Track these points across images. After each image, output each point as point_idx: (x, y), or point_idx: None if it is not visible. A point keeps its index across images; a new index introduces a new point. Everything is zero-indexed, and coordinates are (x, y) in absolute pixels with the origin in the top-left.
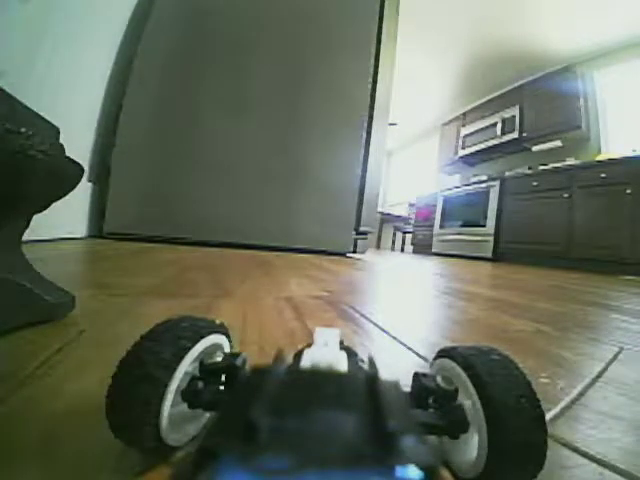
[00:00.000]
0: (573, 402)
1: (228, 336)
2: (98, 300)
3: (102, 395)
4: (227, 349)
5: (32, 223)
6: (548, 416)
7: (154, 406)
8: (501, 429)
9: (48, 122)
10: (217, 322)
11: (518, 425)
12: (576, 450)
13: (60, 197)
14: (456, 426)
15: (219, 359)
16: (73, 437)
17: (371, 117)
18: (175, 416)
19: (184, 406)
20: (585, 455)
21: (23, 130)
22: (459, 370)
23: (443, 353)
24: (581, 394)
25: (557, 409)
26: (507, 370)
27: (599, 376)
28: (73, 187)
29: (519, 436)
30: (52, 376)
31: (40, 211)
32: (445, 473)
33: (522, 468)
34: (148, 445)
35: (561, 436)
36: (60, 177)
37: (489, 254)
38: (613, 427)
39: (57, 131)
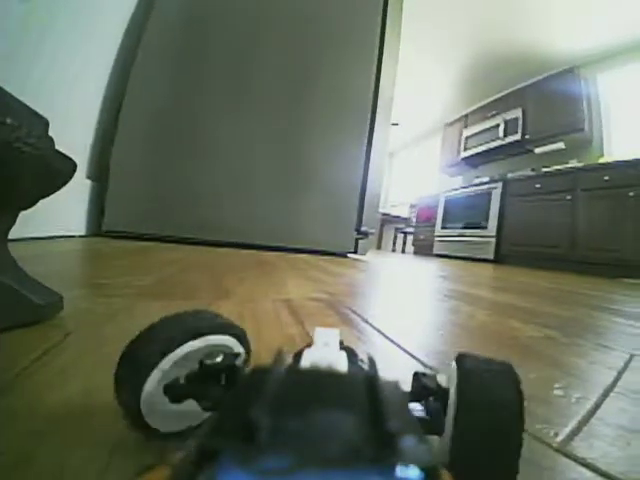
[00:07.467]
0: (589, 416)
1: (239, 338)
2: (89, 301)
3: (85, 406)
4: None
5: (29, 220)
6: (566, 432)
7: (136, 394)
8: (465, 434)
9: (36, 114)
10: (228, 321)
11: (484, 433)
12: (596, 470)
13: (50, 193)
14: (433, 425)
15: (219, 359)
16: (51, 454)
17: (373, 117)
18: (159, 405)
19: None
20: (607, 476)
21: (9, 121)
22: (455, 371)
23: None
24: (597, 406)
25: (574, 423)
26: (491, 375)
27: (613, 386)
28: (64, 183)
29: (485, 444)
30: (31, 385)
31: (28, 207)
32: (445, 473)
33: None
34: (136, 429)
35: (580, 455)
36: (49, 172)
37: (491, 256)
38: (632, 442)
39: (46, 123)
